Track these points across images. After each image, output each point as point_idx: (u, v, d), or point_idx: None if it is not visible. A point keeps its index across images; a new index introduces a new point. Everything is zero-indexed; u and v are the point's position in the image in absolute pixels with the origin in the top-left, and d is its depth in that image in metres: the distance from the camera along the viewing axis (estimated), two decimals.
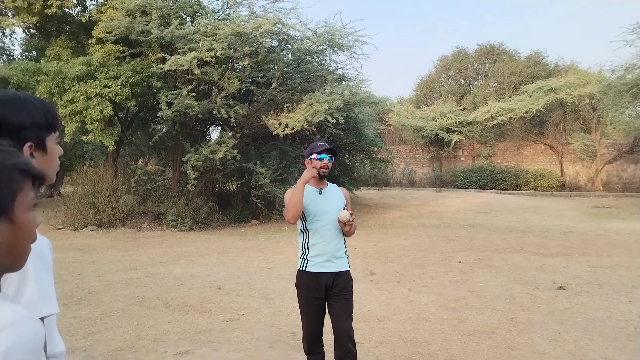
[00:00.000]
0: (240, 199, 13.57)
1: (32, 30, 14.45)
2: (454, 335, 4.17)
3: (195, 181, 11.01)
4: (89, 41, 11.38)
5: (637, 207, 14.96)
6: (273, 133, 11.24)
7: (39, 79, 10.77)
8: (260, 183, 11.57)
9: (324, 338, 3.02)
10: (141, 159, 15.16)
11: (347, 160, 15.35)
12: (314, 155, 2.93)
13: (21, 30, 14.46)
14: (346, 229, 2.89)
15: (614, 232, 10.11)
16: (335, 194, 3.01)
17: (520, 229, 10.79)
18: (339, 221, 2.84)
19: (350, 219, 2.83)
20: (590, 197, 18.37)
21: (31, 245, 1.03)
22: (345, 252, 2.98)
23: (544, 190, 20.22)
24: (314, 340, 2.96)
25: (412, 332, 4.27)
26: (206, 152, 10.82)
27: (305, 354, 3.04)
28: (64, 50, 12.01)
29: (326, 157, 2.93)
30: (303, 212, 2.91)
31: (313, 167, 2.87)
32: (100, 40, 11.19)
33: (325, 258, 2.87)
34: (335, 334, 2.85)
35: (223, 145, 11.00)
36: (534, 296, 5.36)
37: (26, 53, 15.12)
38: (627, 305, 5.00)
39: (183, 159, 11.24)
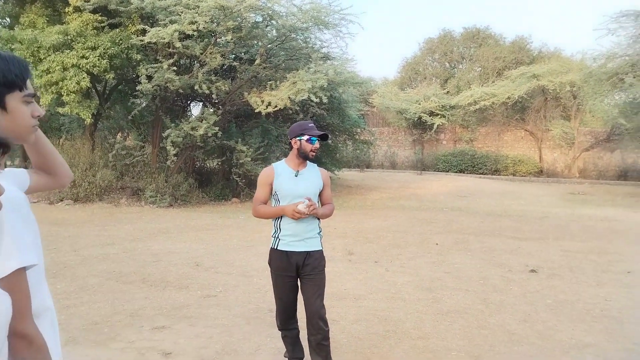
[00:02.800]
0: (221, 176, 13.47)
1: None
2: (428, 315, 4.26)
3: (175, 157, 10.87)
4: (66, 9, 10.96)
5: (611, 195, 15.36)
6: (255, 111, 11.11)
7: (12, 47, 10.36)
8: (241, 161, 11.49)
9: (298, 315, 3.05)
10: (120, 134, 14.86)
11: (329, 141, 15.32)
12: (305, 137, 2.88)
13: None
14: (314, 214, 2.85)
15: (588, 218, 10.38)
16: (312, 176, 2.96)
17: (497, 213, 11.00)
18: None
19: (307, 211, 2.77)
20: (567, 183, 18.79)
21: (7, 199, 1.04)
22: (319, 232, 2.98)
23: (522, 176, 20.59)
24: (287, 317, 3.00)
25: (388, 310, 4.34)
26: (187, 128, 10.66)
27: (279, 330, 3.08)
28: (40, 18, 11.55)
29: (317, 141, 2.91)
30: (276, 193, 2.91)
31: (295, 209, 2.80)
32: (77, 9, 10.79)
33: (297, 237, 2.87)
34: (306, 312, 2.89)
35: (204, 121, 10.84)
36: (506, 278, 5.50)
37: None
38: (596, 288, 5.16)
39: (163, 134, 11.06)
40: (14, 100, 1.17)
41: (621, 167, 20.24)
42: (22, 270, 1.05)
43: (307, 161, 2.98)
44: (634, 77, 14.68)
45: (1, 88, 1.15)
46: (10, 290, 1.02)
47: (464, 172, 21.36)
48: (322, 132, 2.95)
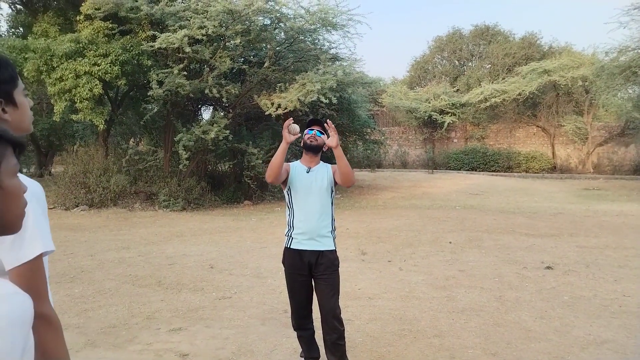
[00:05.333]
0: (233, 179, 13.55)
1: (18, 6, 14.11)
2: (443, 313, 4.24)
3: (187, 161, 10.95)
4: (77, 18, 11.14)
5: (626, 189, 15.14)
6: (265, 113, 11.16)
7: (26, 56, 10.55)
8: (252, 164, 11.54)
9: (313, 315, 3.06)
10: (132, 139, 15.05)
11: (340, 143, 15.30)
12: (305, 131, 3.02)
13: (7, 6, 14.11)
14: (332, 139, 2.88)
15: (603, 214, 10.25)
16: (322, 172, 3.01)
17: (510, 210, 10.90)
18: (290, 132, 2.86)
19: (291, 129, 2.84)
20: (581, 179, 18.54)
21: (31, 191, 1.10)
22: (332, 231, 2.99)
23: (535, 173, 20.37)
24: (301, 317, 3.01)
25: (402, 309, 4.34)
26: (198, 132, 10.74)
27: (294, 330, 3.09)
28: (52, 27, 11.75)
29: (315, 131, 3.00)
30: (290, 188, 2.94)
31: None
32: (88, 17, 10.95)
33: (309, 236, 2.89)
34: (321, 311, 2.90)
35: (215, 125, 10.92)
36: (522, 275, 5.45)
37: (12, 30, 14.78)
38: (613, 284, 5.10)
39: (175, 138, 11.16)
40: (19, 94, 1.23)
41: (636, 161, 19.93)
42: (42, 255, 1.15)
43: (320, 160, 3.06)
44: None
45: (8, 85, 1.20)
46: (32, 273, 1.11)
47: (475, 170, 21.19)
48: (313, 118, 3.10)
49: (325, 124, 2.95)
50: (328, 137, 2.97)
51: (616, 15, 17.53)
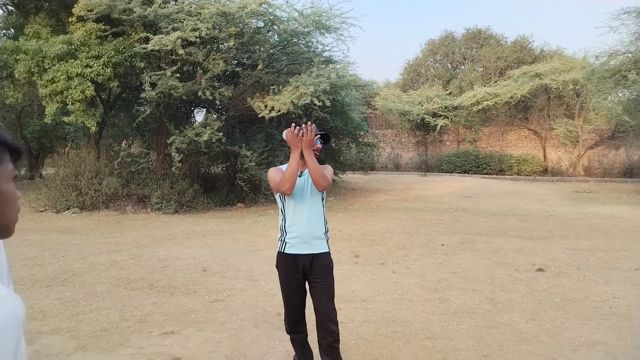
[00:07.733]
0: (226, 182, 13.51)
1: (9, 7, 14.00)
2: (435, 315, 4.26)
3: (180, 164, 10.91)
4: (70, 19, 11.07)
5: (616, 192, 15.29)
6: (259, 116, 11.16)
7: (17, 57, 10.47)
8: (245, 166, 11.52)
9: (307, 318, 3.06)
10: (124, 141, 14.97)
11: (333, 144, 15.35)
12: None
13: None
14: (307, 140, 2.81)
15: (593, 216, 10.34)
16: None
17: (502, 213, 10.97)
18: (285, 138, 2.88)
19: (292, 131, 2.81)
20: (572, 182, 18.71)
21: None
22: (325, 232, 2.98)
23: (527, 175, 20.53)
24: (295, 320, 3.00)
25: (395, 312, 4.35)
26: (191, 135, 10.71)
27: (287, 334, 3.09)
28: (44, 29, 11.66)
29: (319, 141, 2.95)
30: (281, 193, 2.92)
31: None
32: (81, 19, 10.89)
33: (302, 239, 2.88)
34: (316, 315, 2.89)
35: (208, 127, 10.89)
36: (514, 277, 5.49)
37: (4, 31, 14.66)
38: (603, 286, 5.15)
39: (167, 141, 11.11)
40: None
41: (626, 164, 20.14)
42: None
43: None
44: (637, 74, 14.61)
45: None
46: None
47: (468, 173, 21.32)
48: (324, 132, 2.99)
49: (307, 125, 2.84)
50: (328, 142, 2.97)
51: (606, 20, 17.82)
